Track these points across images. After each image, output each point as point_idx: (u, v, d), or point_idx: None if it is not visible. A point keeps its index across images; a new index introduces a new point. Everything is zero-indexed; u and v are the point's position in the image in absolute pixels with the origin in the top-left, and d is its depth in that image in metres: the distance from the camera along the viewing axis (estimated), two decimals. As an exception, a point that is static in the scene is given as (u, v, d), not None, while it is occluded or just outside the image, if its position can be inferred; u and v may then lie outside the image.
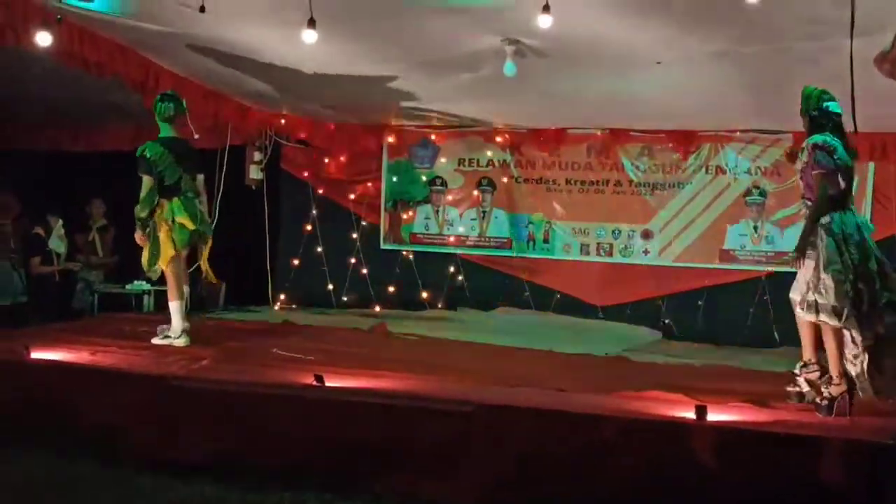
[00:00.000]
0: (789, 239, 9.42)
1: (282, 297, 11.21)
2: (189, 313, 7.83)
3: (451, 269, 10.91)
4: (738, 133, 9.72)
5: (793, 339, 6.19)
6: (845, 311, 5.38)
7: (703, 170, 9.98)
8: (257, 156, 10.93)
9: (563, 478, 5.12)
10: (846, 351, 5.57)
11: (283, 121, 10.75)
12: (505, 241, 10.76)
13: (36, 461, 5.69)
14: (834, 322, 5.45)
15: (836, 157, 5.60)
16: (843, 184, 5.67)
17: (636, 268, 10.27)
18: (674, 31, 6.68)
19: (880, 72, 4.91)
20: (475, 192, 10.91)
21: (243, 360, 6.84)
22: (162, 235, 7.41)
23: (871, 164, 9.25)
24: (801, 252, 5.64)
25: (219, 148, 10.16)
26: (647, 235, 10.21)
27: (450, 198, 11.02)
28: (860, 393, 5.51)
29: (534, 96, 8.87)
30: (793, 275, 5.87)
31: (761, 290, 9.62)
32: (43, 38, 6.79)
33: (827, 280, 5.45)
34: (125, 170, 10.60)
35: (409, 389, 5.91)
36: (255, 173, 10.92)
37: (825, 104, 5.73)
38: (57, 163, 11.47)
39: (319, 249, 11.30)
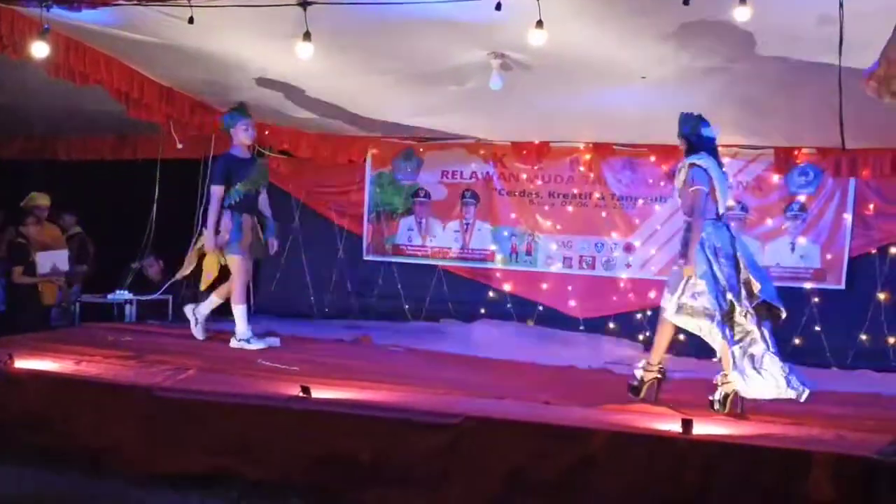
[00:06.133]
0: (770, 253, 9.56)
1: (263, 307, 11.16)
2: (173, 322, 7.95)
3: (434, 280, 10.92)
4: (720, 148, 9.72)
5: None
6: (716, 314, 5.91)
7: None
8: (240, 166, 10.86)
9: (550, 491, 5.13)
10: None
11: (266, 132, 10.71)
12: (488, 253, 10.79)
13: (24, 474, 5.66)
14: (707, 322, 5.99)
15: (710, 175, 6.22)
16: (718, 200, 6.29)
17: (618, 281, 10.28)
18: (666, 48, 6.73)
19: (866, 90, 4.96)
20: (458, 205, 10.93)
21: (229, 370, 6.84)
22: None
23: (852, 181, 9.31)
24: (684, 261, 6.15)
25: (202, 158, 10.10)
26: (629, 249, 10.23)
27: (433, 210, 11.02)
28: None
29: (518, 110, 8.90)
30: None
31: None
32: (39, 49, 6.72)
33: (700, 285, 6.02)
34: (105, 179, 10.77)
35: (396, 401, 5.91)
36: (237, 184, 10.83)
37: (702, 129, 6.38)
38: (40, 171, 11.40)
39: (302, 260, 11.30)
